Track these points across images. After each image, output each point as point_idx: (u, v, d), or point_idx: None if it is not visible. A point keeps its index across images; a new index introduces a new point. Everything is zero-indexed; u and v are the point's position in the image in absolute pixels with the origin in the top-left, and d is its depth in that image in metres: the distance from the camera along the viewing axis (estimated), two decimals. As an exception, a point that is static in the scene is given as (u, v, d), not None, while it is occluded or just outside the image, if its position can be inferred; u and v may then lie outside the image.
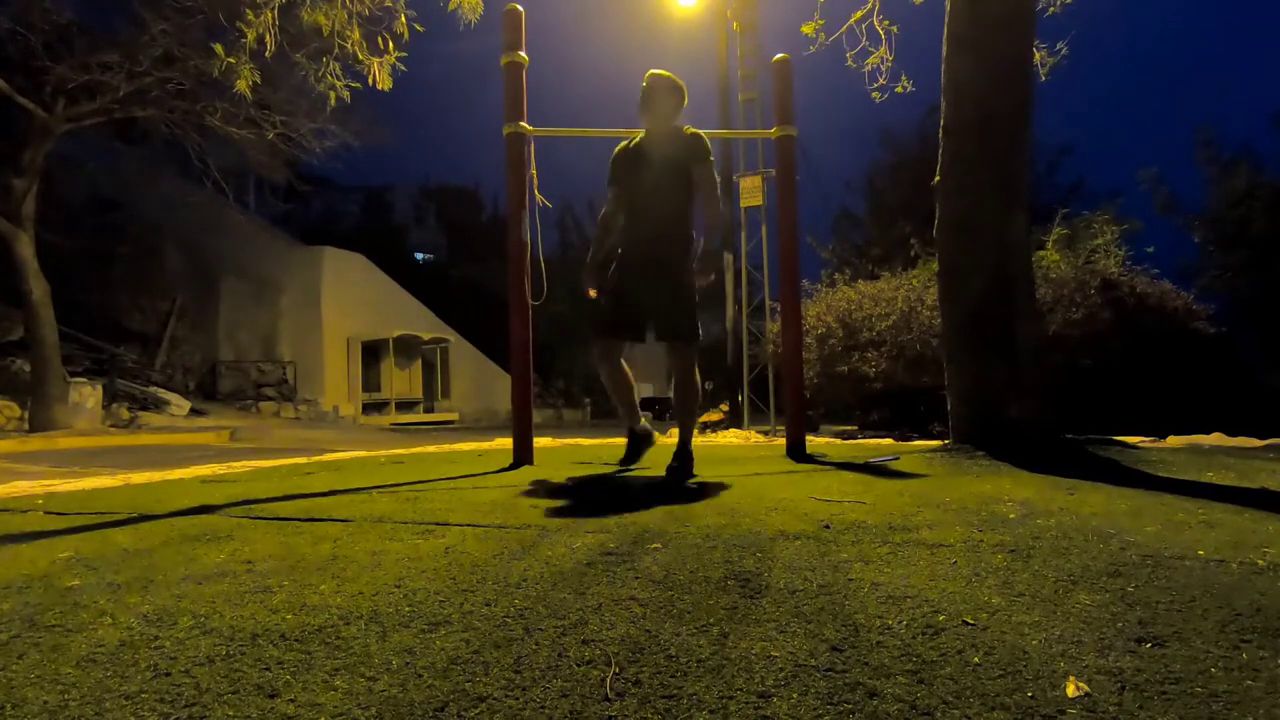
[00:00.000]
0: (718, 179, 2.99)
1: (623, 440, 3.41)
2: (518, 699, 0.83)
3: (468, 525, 1.82)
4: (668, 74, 3.02)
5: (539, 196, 3.50)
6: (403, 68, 4.13)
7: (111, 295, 14.43)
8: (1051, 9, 4.37)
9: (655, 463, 3.11)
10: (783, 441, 4.08)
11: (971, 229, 3.23)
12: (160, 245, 15.74)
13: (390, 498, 2.35)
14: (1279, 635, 0.97)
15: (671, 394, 3.13)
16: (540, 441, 4.64)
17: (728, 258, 11.03)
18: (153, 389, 13.03)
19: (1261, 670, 0.87)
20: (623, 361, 3.06)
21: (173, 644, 1.02)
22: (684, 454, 2.94)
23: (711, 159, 2.96)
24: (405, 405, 19.33)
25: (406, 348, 19.32)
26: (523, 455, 3.46)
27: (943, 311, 3.44)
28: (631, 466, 2.99)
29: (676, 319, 2.92)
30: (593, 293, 3.10)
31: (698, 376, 3.02)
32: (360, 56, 4.06)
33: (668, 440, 3.42)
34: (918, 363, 6.80)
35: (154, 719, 0.81)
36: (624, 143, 3.14)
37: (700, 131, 2.99)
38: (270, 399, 15.51)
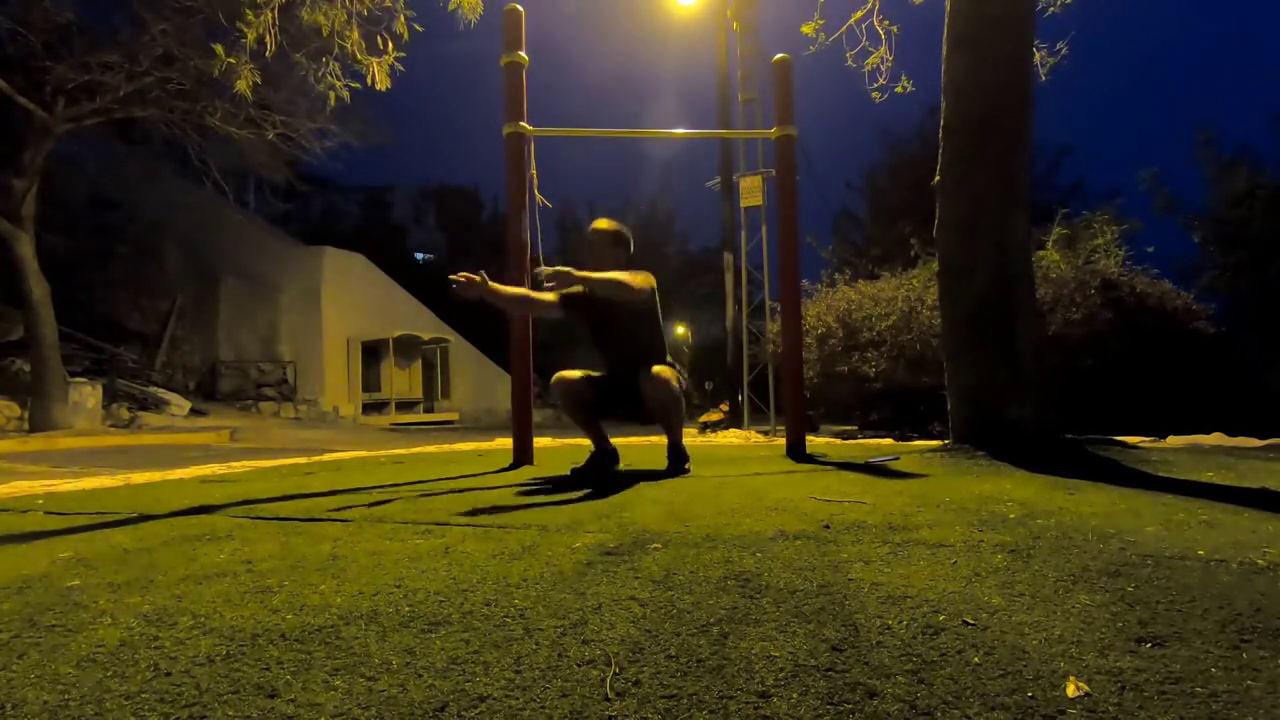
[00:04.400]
0: (636, 285, 2.74)
1: (621, 440, 3.41)
2: (518, 699, 0.83)
3: (468, 525, 1.82)
4: (609, 225, 3.02)
5: (539, 196, 3.50)
6: (401, 68, 4.13)
7: (111, 295, 14.43)
8: (1051, 9, 4.37)
9: (655, 463, 3.11)
10: (783, 441, 4.08)
11: (971, 229, 3.23)
12: (160, 245, 15.73)
13: (390, 498, 2.35)
14: (1279, 635, 0.97)
15: (653, 409, 2.95)
16: (540, 441, 4.64)
17: (727, 258, 11.04)
18: (153, 389, 13.02)
19: (1261, 670, 0.87)
20: (584, 398, 2.99)
21: (173, 644, 1.02)
22: (677, 454, 2.95)
23: (650, 283, 2.86)
24: (405, 405, 19.32)
25: (406, 348, 19.31)
26: (523, 455, 3.46)
27: (943, 311, 3.43)
28: (592, 477, 2.83)
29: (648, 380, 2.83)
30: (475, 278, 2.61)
31: (678, 388, 2.90)
32: (359, 57, 4.06)
33: (664, 440, 3.41)
34: (918, 363, 6.80)
35: (154, 719, 0.81)
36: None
37: (646, 273, 2.91)
38: (270, 399, 15.50)
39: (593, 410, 3.05)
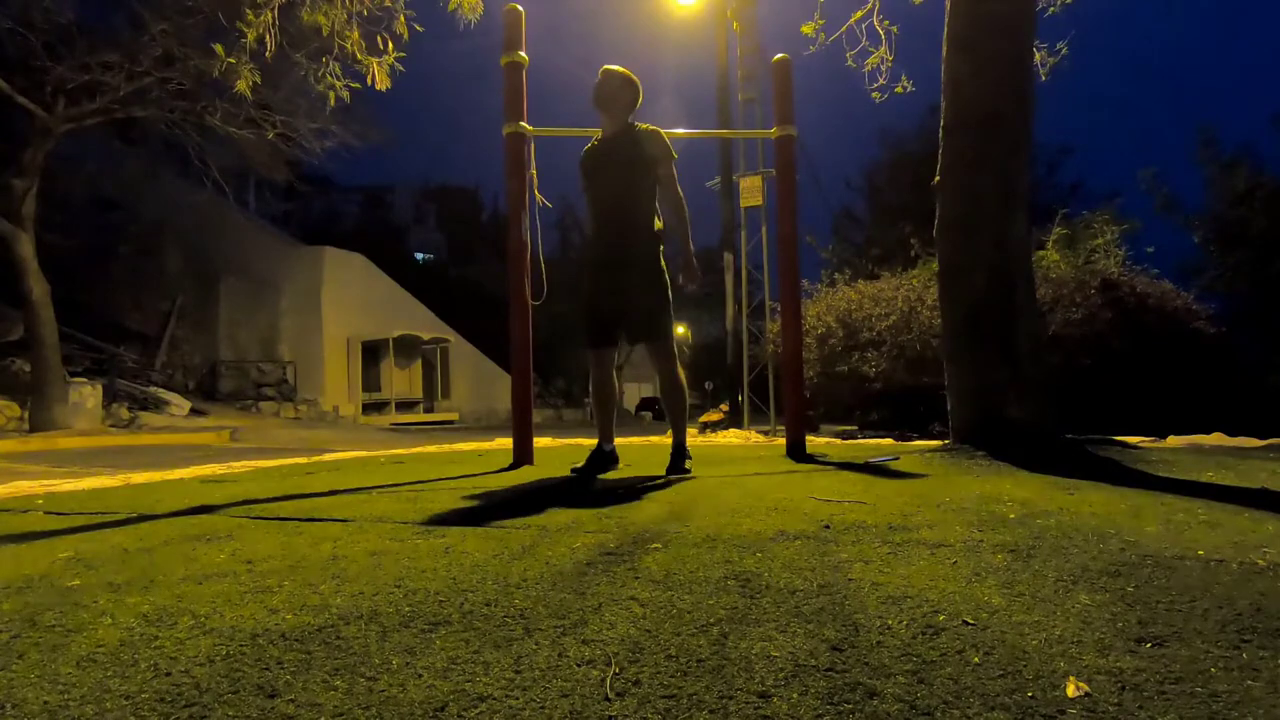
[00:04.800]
0: (676, 176, 2.93)
1: (622, 440, 3.41)
2: (518, 699, 0.83)
3: (468, 525, 1.82)
4: (621, 69, 2.97)
5: (539, 196, 3.50)
6: (401, 68, 4.13)
7: (111, 295, 14.43)
8: (1051, 9, 4.38)
9: (655, 463, 3.11)
10: (783, 441, 4.08)
11: (971, 229, 3.23)
12: (160, 245, 15.73)
13: (390, 498, 2.35)
14: (1279, 635, 0.97)
15: (663, 407, 3.11)
16: (540, 441, 4.64)
17: (727, 258, 11.04)
18: (153, 389, 13.02)
19: (1261, 670, 0.87)
20: (613, 373, 3.03)
21: (173, 644, 1.02)
22: (680, 454, 2.96)
23: (673, 156, 2.91)
24: (405, 405, 19.33)
25: (406, 348, 19.32)
26: (523, 455, 3.46)
27: (943, 311, 3.44)
28: (592, 477, 2.84)
29: (647, 320, 2.90)
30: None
31: (682, 375, 3.00)
32: (359, 57, 4.06)
33: (665, 440, 3.42)
34: (918, 363, 6.80)
35: (154, 719, 0.81)
36: (589, 144, 3.09)
37: (657, 128, 2.95)
38: (270, 399, 15.51)
39: (604, 336, 3.01)
